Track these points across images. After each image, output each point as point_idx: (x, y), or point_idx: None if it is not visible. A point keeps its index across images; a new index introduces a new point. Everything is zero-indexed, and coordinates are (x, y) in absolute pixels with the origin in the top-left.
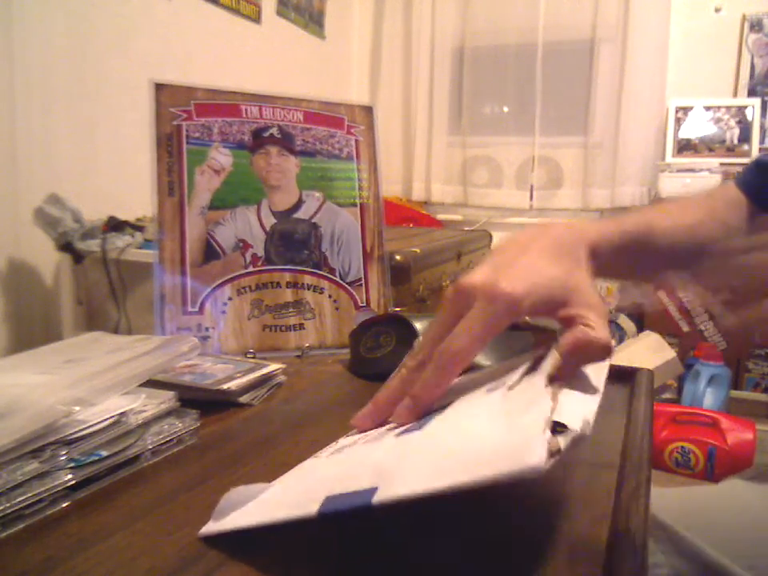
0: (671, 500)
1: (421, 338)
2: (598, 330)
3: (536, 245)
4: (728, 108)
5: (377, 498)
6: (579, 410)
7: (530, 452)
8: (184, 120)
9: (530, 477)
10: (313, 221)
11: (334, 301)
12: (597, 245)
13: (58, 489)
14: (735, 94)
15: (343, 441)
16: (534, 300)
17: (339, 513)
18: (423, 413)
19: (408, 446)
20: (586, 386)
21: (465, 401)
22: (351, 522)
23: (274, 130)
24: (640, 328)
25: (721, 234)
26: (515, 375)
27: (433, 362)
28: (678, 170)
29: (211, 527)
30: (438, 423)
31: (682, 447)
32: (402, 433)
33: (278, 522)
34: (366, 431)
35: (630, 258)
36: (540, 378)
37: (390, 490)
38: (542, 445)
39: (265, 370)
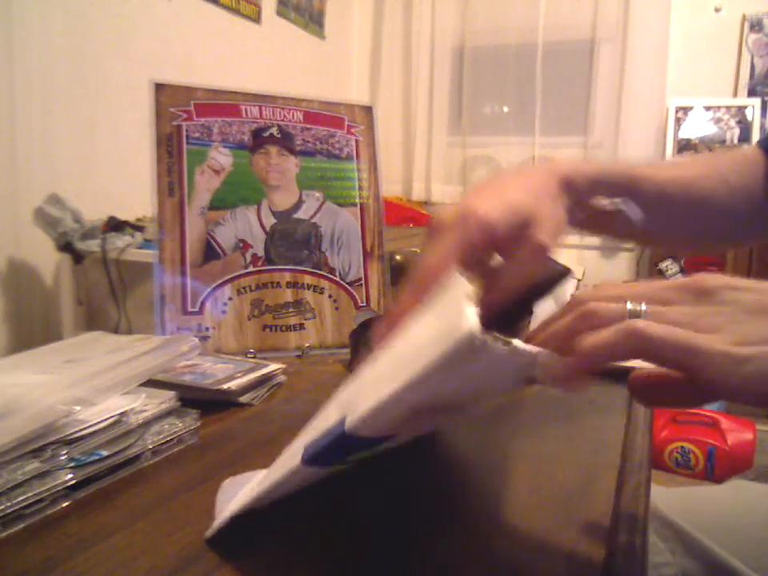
0: (679, 499)
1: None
2: (540, 233)
3: (509, 180)
4: (728, 108)
5: (348, 424)
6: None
7: (460, 323)
8: (184, 120)
9: (469, 348)
10: (313, 221)
11: (334, 301)
12: (571, 178)
13: (59, 488)
14: (735, 94)
15: None
16: (505, 222)
17: (320, 454)
18: (395, 331)
19: (363, 378)
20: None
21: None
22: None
23: (274, 130)
24: None
25: (723, 192)
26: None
27: (409, 281)
28: None
29: (213, 525)
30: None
31: (682, 447)
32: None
33: (269, 488)
34: None
35: (611, 195)
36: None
37: (357, 412)
38: (470, 313)
39: (265, 370)
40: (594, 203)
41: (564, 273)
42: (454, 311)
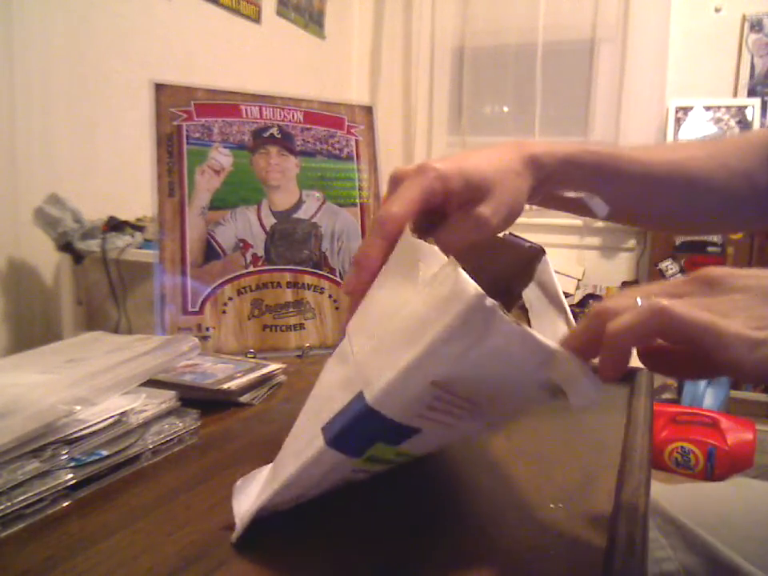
0: (680, 495)
1: None
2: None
3: (474, 152)
4: (728, 108)
5: (370, 398)
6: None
7: (464, 287)
8: (184, 120)
9: (481, 312)
10: (313, 220)
11: (334, 301)
12: (537, 157)
13: (59, 488)
14: (735, 94)
15: None
16: (460, 179)
17: (345, 432)
18: (369, 277)
19: (361, 353)
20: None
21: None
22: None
23: (274, 130)
24: None
25: (722, 175)
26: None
27: (369, 231)
28: None
29: (237, 529)
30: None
31: (682, 447)
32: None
33: (292, 478)
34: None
35: (588, 175)
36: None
37: (377, 384)
38: (469, 279)
39: (265, 370)
40: (558, 190)
41: (536, 252)
42: (448, 277)
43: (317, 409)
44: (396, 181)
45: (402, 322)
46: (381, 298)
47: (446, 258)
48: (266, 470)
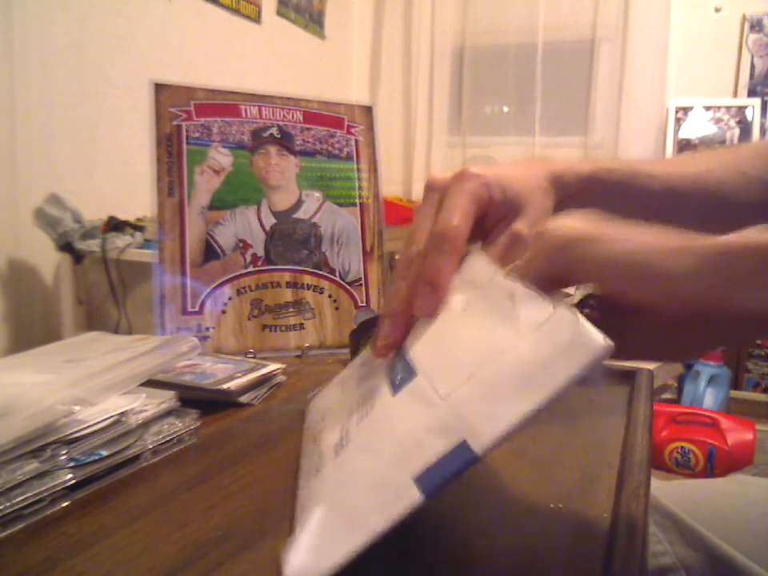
0: (679, 491)
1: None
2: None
3: (503, 165)
4: (728, 108)
5: (478, 448)
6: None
7: (589, 336)
8: (184, 120)
9: (603, 358)
10: (313, 221)
11: (334, 301)
12: (560, 175)
13: (58, 488)
14: (735, 94)
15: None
16: (499, 190)
17: (447, 482)
18: (444, 297)
19: (456, 398)
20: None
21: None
22: None
23: (274, 130)
24: None
25: (739, 184)
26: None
27: (432, 246)
28: None
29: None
30: (438, 354)
31: (682, 447)
32: (400, 383)
33: (383, 529)
34: (388, 351)
35: (609, 193)
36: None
37: (487, 434)
38: (588, 323)
39: (265, 370)
40: (578, 208)
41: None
42: (567, 324)
43: (399, 454)
44: (433, 188)
45: (509, 367)
46: (470, 337)
47: (547, 303)
48: (313, 521)
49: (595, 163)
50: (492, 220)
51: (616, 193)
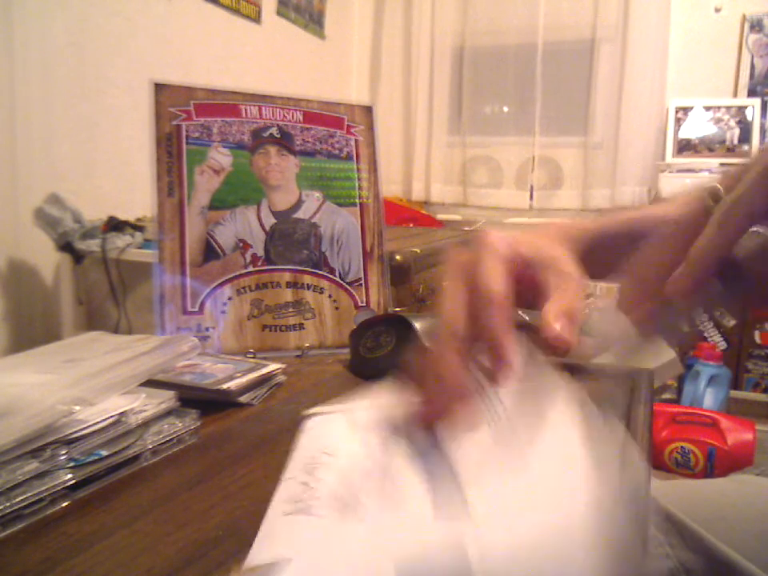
0: (678, 491)
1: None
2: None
3: (523, 232)
4: (728, 108)
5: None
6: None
7: None
8: (184, 120)
9: None
10: (313, 221)
11: (334, 301)
12: (574, 235)
13: (58, 488)
14: (735, 94)
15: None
16: (521, 251)
17: None
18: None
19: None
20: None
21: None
22: None
23: (274, 130)
24: None
25: None
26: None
27: (484, 311)
28: (678, 171)
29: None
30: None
31: (682, 447)
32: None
33: None
34: (431, 422)
35: (622, 244)
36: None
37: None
38: None
39: (265, 370)
40: (593, 265)
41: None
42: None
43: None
44: (456, 262)
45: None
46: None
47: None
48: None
49: (606, 219)
50: (520, 277)
51: (627, 242)
